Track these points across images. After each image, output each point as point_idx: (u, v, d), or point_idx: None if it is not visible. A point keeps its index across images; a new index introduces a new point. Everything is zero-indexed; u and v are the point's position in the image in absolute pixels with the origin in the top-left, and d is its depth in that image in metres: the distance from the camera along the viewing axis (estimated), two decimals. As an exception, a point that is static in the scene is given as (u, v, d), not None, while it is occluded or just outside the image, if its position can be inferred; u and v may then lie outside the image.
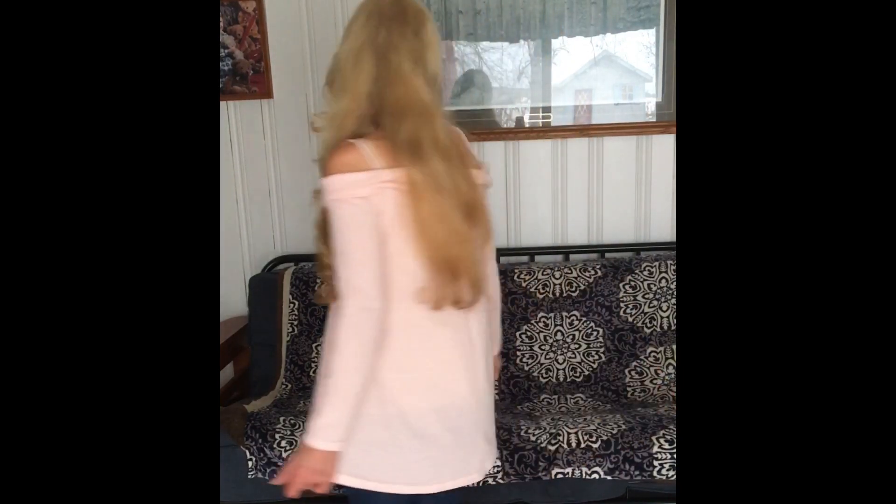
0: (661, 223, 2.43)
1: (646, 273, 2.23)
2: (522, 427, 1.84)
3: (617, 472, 1.76)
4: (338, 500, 1.86)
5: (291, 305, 2.31)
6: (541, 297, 2.25)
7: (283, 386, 2.24)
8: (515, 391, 2.20)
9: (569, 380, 2.22)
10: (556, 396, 2.15)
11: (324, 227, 1.17)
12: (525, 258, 2.44)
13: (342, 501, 1.85)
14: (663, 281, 2.22)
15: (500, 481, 1.77)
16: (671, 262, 2.24)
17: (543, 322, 2.24)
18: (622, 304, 2.22)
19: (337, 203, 1.10)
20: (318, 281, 1.18)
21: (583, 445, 1.77)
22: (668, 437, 1.77)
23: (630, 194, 2.41)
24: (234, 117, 2.45)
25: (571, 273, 2.26)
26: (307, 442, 1.14)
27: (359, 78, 1.14)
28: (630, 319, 2.21)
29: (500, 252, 2.36)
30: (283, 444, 1.82)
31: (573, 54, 2.34)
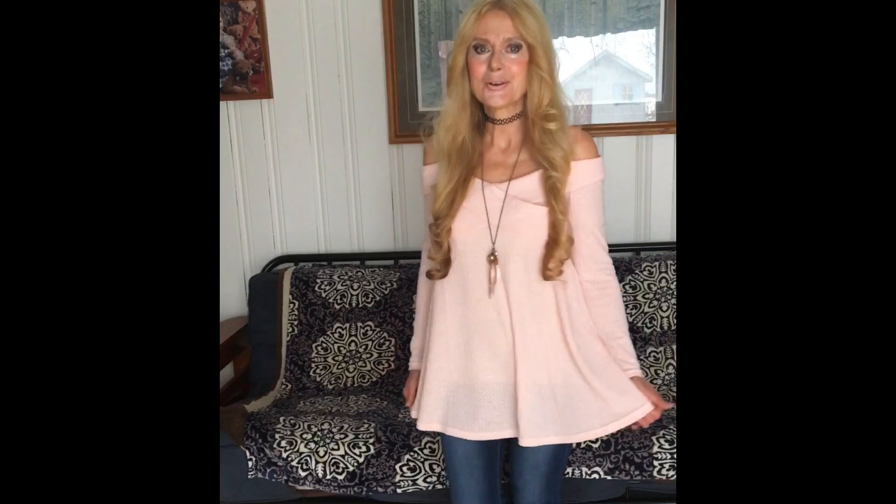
0: (661, 223, 2.42)
1: (646, 273, 2.23)
2: (522, 427, 1.83)
3: (617, 472, 1.76)
4: (341, 500, 1.87)
5: (291, 305, 2.31)
6: (541, 297, 2.24)
7: (283, 386, 2.24)
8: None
9: (569, 380, 2.22)
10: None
11: (564, 210, 1.30)
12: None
13: (346, 501, 1.86)
14: (663, 281, 2.22)
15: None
16: (671, 262, 2.24)
17: (543, 322, 2.24)
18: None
19: (602, 182, 1.37)
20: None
21: (583, 445, 1.77)
22: (668, 437, 1.77)
23: (630, 194, 2.41)
24: (234, 117, 2.45)
25: (571, 273, 2.26)
26: (642, 374, 1.38)
27: None
28: (630, 319, 2.21)
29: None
30: (283, 443, 1.82)
31: (573, 54, 2.34)
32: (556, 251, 1.29)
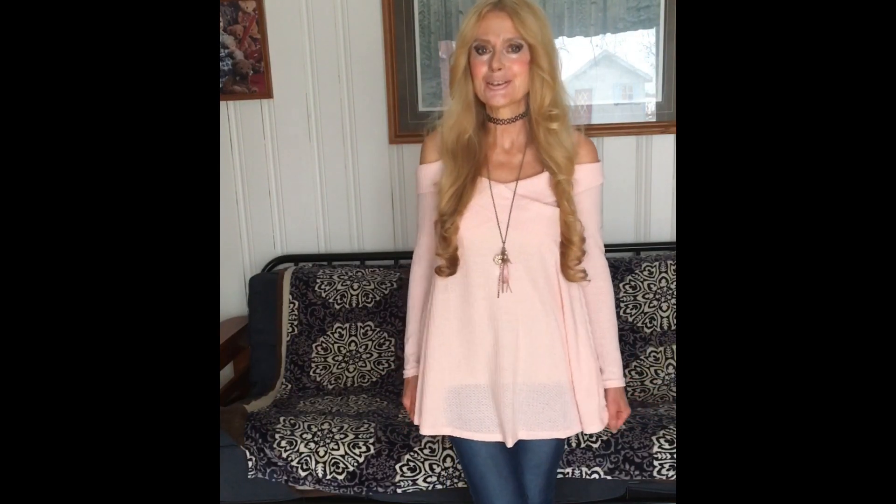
0: (661, 223, 2.43)
1: (646, 273, 2.23)
2: (522, 427, 1.83)
3: (617, 472, 1.76)
4: (341, 500, 1.87)
5: (291, 305, 2.31)
6: (541, 297, 2.24)
7: (283, 386, 2.24)
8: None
9: (569, 380, 2.22)
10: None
11: (574, 210, 1.34)
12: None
13: (346, 501, 1.87)
14: (663, 281, 2.22)
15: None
16: (671, 262, 2.24)
17: (543, 322, 2.24)
18: (622, 304, 2.22)
19: (602, 187, 1.40)
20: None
21: (583, 445, 1.77)
22: (668, 437, 1.77)
23: (630, 194, 2.41)
24: (234, 117, 2.45)
25: (571, 273, 2.26)
26: (620, 385, 1.41)
27: None
28: (630, 319, 2.21)
29: (500, 252, 2.35)
30: (283, 443, 1.82)
31: (573, 54, 2.34)
32: (571, 251, 1.32)
